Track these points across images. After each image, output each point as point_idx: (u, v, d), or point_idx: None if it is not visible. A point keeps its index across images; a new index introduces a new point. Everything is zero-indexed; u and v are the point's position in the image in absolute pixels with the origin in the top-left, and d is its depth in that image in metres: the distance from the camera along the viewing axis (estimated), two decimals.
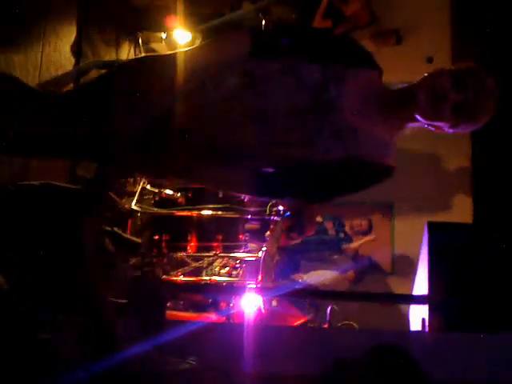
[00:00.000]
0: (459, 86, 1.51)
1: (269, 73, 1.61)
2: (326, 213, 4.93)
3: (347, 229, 4.97)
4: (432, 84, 1.54)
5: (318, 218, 4.80)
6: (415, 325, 2.33)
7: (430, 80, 1.56)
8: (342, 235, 4.97)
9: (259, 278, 3.60)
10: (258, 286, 3.47)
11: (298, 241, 4.35)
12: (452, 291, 1.81)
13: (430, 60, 4.78)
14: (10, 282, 1.80)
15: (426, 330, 1.90)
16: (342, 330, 2.46)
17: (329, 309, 3.56)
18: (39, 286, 1.94)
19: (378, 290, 4.72)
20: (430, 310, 1.84)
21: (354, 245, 4.97)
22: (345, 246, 4.96)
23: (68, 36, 2.46)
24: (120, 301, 2.06)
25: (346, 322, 3.51)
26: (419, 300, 2.02)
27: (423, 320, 1.94)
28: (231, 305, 3.58)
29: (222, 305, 3.71)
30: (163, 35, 2.94)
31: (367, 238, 4.96)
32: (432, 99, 1.53)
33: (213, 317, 3.56)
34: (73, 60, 2.48)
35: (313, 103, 1.58)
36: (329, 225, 4.99)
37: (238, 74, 1.61)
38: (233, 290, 3.13)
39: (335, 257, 4.92)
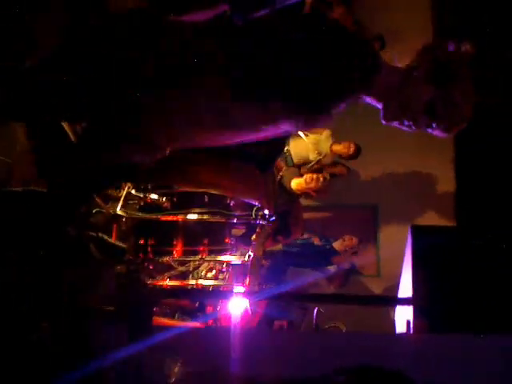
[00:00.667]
0: (430, 113, 1.50)
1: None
2: (311, 226, 4.90)
3: (336, 246, 4.88)
4: (406, 99, 1.51)
5: (305, 235, 4.78)
6: (400, 325, 2.35)
7: (407, 90, 1.52)
8: (328, 247, 4.92)
9: (246, 281, 3.61)
10: (245, 289, 3.48)
11: (279, 246, 4.34)
12: (436, 294, 1.83)
13: None
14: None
15: (411, 331, 1.92)
16: (329, 333, 2.47)
17: (315, 311, 3.58)
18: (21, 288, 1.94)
19: (364, 292, 4.75)
20: (414, 312, 1.87)
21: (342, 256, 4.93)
22: (333, 258, 4.91)
23: None
24: (107, 308, 2.06)
25: (333, 325, 3.53)
26: (404, 302, 2.05)
27: (408, 322, 1.96)
28: (218, 309, 3.59)
29: (209, 309, 3.71)
30: None
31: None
32: (400, 114, 1.53)
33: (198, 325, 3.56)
34: None
35: None
36: (316, 239, 4.95)
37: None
38: (220, 294, 3.13)
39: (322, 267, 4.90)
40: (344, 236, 4.78)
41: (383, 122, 1.57)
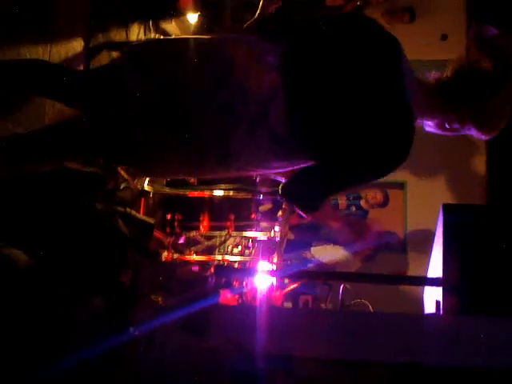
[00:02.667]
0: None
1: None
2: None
3: (362, 203, 4.88)
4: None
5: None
6: (429, 304, 2.32)
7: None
8: (353, 209, 4.88)
9: (273, 257, 3.61)
10: (272, 265, 3.48)
11: (309, 219, 4.34)
12: (467, 274, 1.79)
13: (444, 37, 4.69)
14: (31, 260, 1.83)
15: (440, 311, 1.89)
16: (355, 313, 2.45)
17: (341, 288, 3.57)
18: (56, 263, 1.97)
19: (391, 269, 4.71)
20: (444, 292, 1.83)
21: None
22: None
23: (78, 15, 2.45)
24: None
25: (359, 300, 3.51)
26: (433, 282, 2.01)
27: (437, 302, 1.93)
28: (244, 283, 3.60)
29: (235, 283, 3.74)
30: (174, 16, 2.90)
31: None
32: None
33: (227, 295, 3.58)
34: (82, 42, 2.46)
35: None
36: (342, 199, 4.89)
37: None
38: (247, 272, 3.14)
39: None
40: (366, 193, 4.78)
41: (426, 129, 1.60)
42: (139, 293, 2.04)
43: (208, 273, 2.80)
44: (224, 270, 3.05)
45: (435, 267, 2.07)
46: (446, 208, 1.86)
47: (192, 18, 2.77)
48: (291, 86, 1.48)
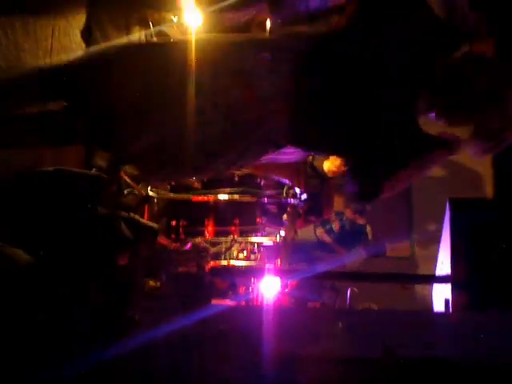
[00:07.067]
0: None
1: None
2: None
3: (347, 213, 4.55)
4: None
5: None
6: (438, 306, 2.28)
7: None
8: (347, 226, 4.61)
9: (278, 261, 3.58)
10: (278, 269, 3.45)
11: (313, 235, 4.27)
12: (476, 270, 1.75)
13: None
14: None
15: (450, 310, 1.85)
16: (364, 312, 2.41)
17: (348, 291, 3.52)
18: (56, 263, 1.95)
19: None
20: (453, 289, 1.79)
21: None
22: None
23: (77, 20, 2.44)
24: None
25: (367, 304, 3.47)
26: (442, 280, 1.97)
27: (446, 300, 1.89)
28: (250, 289, 3.57)
29: (241, 289, 3.70)
30: (174, 19, 2.89)
31: None
32: None
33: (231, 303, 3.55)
34: (83, 45, 2.45)
35: None
36: (335, 222, 4.65)
37: None
38: (253, 272, 3.11)
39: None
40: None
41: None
42: (137, 278, 2.01)
43: (204, 271, 2.77)
44: (221, 271, 3.03)
45: (443, 264, 2.02)
46: (453, 202, 1.82)
47: (193, 19, 2.75)
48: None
